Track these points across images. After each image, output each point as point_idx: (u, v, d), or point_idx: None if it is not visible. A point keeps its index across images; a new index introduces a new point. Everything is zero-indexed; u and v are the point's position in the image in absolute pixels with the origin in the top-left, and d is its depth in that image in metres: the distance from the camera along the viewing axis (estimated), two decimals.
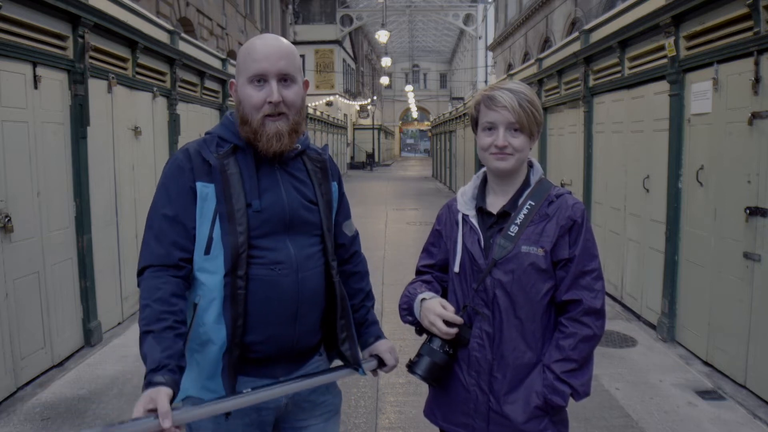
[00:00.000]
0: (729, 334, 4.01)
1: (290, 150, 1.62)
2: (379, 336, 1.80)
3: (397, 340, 4.81)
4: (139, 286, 1.53)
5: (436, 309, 1.62)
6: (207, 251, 1.53)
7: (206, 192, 1.53)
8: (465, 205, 1.73)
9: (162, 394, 1.31)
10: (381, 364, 1.74)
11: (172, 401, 1.33)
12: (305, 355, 1.67)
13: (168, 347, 1.40)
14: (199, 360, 1.56)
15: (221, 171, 1.53)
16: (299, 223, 1.60)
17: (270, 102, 1.53)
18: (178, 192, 1.54)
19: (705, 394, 3.83)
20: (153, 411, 1.28)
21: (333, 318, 1.68)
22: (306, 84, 1.66)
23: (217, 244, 1.52)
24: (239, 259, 1.51)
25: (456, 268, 1.69)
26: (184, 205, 1.54)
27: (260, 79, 1.54)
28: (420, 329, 1.73)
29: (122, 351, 4.63)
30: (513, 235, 1.61)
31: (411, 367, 1.65)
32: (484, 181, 1.75)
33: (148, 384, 1.34)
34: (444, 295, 1.76)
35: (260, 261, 1.54)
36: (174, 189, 1.55)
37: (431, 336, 1.65)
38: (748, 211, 3.73)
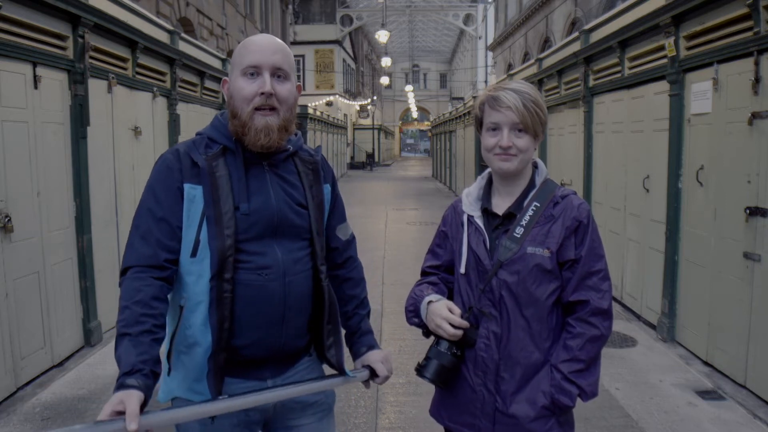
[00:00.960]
0: (729, 334, 4.01)
1: (279, 149, 1.59)
2: (372, 346, 1.75)
3: (398, 340, 4.81)
4: (120, 286, 1.50)
5: (443, 312, 1.62)
6: (193, 254, 1.51)
7: (194, 194, 1.51)
8: (470, 206, 1.73)
9: (133, 397, 1.27)
10: (373, 375, 1.69)
11: (143, 407, 1.29)
12: (294, 356, 1.65)
13: (144, 352, 1.36)
14: (186, 362, 1.55)
15: (210, 173, 1.51)
16: (287, 227, 1.58)
17: (262, 93, 1.51)
18: (165, 192, 1.52)
19: (705, 394, 3.83)
20: (121, 414, 1.24)
21: (320, 323, 1.65)
22: (299, 88, 1.64)
23: (204, 246, 1.50)
24: (226, 262, 1.48)
25: (462, 269, 1.69)
26: (171, 206, 1.51)
27: (254, 72, 1.52)
28: (427, 332, 1.72)
29: None
30: (518, 236, 1.61)
31: (420, 370, 1.65)
32: (489, 182, 1.75)
33: (120, 386, 1.30)
34: (450, 297, 1.75)
35: (247, 266, 1.52)
36: (161, 189, 1.52)
37: (438, 338, 1.65)
38: (748, 211, 3.73)
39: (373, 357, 1.71)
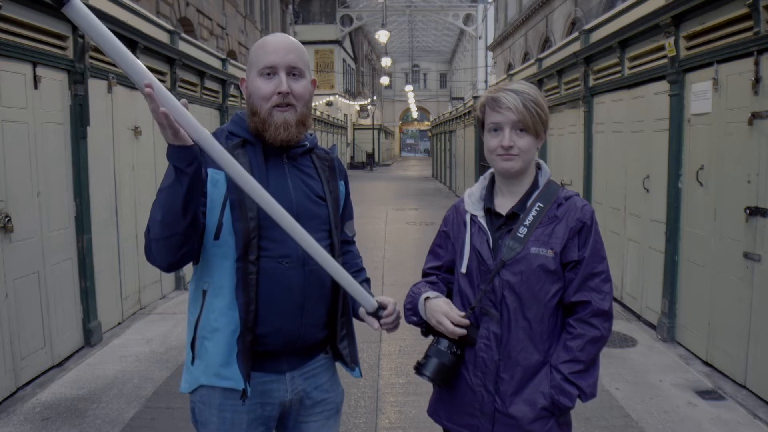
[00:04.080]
0: (729, 334, 4.01)
1: (297, 144, 1.65)
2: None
3: (398, 340, 4.81)
4: (148, 247, 1.50)
5: (443, 308, 1.63)
6: (216, 236, 1.55)
7: (217, 178, 1.55)
8: (473, 206, 1.73)
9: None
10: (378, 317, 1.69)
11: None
12: (311, 350, 1.69)
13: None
14: (210, 348, 1.58)
15: None
16: (307, 217, 1.61)
17: (279, 92, 1.57)
18: None
19: (705, 394, 3.83)
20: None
21: (335, 315, 1.70)
22: (314, 82, 1.71)
23: (227, 229, 1.54)
24: (250, 244, 1.53)
25: (463, 269, 1.69)
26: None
27: (270, 72, 1.59)
28: (426, 331, 1.72)
29: (122, 351, 4.63)
30: (522, 236, 1.62)
31: (419, 368, 1.65)
32: (492, 182, 1.75)
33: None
34: (449, 296, 1.75)
35: (268, 254, 1.56)
36: None
37: (438, 337, 1.65)
38: (748, 211, 3.73)
39: (379, 298, 1.71)
